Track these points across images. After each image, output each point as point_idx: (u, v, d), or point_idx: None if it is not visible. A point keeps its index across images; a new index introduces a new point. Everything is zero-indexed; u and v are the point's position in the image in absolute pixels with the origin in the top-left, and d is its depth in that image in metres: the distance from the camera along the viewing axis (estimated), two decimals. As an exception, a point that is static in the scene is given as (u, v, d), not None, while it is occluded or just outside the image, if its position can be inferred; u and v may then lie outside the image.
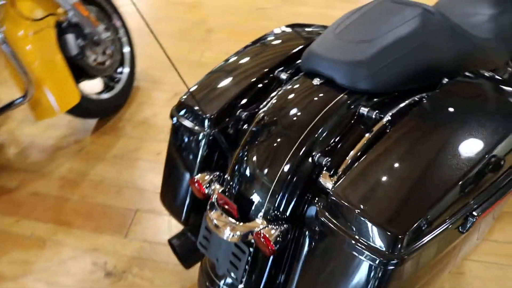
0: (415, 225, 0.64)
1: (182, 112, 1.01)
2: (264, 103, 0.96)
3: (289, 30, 1.16)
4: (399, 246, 0.64)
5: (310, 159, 0.81)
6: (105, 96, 2.00)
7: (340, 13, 1.01)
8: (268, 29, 1.21)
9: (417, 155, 0.72)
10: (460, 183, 0.68)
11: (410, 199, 0.68)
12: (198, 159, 0.99)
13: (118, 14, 2.04)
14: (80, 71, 1.81)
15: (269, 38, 1.13)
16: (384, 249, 0.65)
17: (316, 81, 0.89)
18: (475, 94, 0.83)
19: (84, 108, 1.83)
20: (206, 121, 0.96)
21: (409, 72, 0.85)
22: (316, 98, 0.86)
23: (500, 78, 0.89)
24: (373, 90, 0.84)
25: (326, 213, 0.71)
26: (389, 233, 0.64)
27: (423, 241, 0.66)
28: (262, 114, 0.92)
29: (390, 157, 0.73)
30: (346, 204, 0.69)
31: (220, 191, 0.90)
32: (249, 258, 0.85)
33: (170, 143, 1.07)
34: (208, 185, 0.93)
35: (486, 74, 0.87)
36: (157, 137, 1.94)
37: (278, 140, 0.85)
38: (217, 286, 0.97)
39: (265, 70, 1.01)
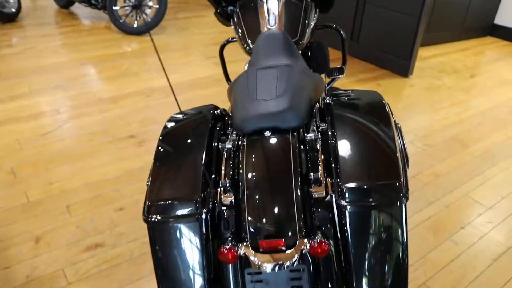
0: (401, 172, 0.98)
1: (160, 211, 1.01)
2: (237, 168, 1.07)
3: (180, 116, 1.27)
4: (403, 188, 0.96)
5: (305, 181, 1.04)
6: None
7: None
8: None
9: (363, 139, 1.06)
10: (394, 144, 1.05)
11: (384, 161, 1.01)
12: (201, 243, 1.01)
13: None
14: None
15: (177, 123, 1.22)
16: (397, 195, 0.96)
17: (267, 133, 1.11)
18: (350, 101, 1.21)
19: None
20: (195, 205, 0.99)
21: (308, 106, 1.17)
22: (278, 142, 1.09)
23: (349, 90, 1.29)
24: (301, 124, 1.13)
25: (346, 199, 0.96)
26: (395, 184, 0.96)
27: (407, 184, 1.00)
28: (247, 174, 1.03)
29: (353, 144, 1.05)
30: (358, 185, 0.97)
31: (262, 238, 0.97)
32: (307, 270, 1.02)
33: (157, 247, 1.03)
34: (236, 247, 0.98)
35: (338, 91, 1.28)
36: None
37: (278, 181, 1.02)
38: None
39: (205, 145, 1.12)
